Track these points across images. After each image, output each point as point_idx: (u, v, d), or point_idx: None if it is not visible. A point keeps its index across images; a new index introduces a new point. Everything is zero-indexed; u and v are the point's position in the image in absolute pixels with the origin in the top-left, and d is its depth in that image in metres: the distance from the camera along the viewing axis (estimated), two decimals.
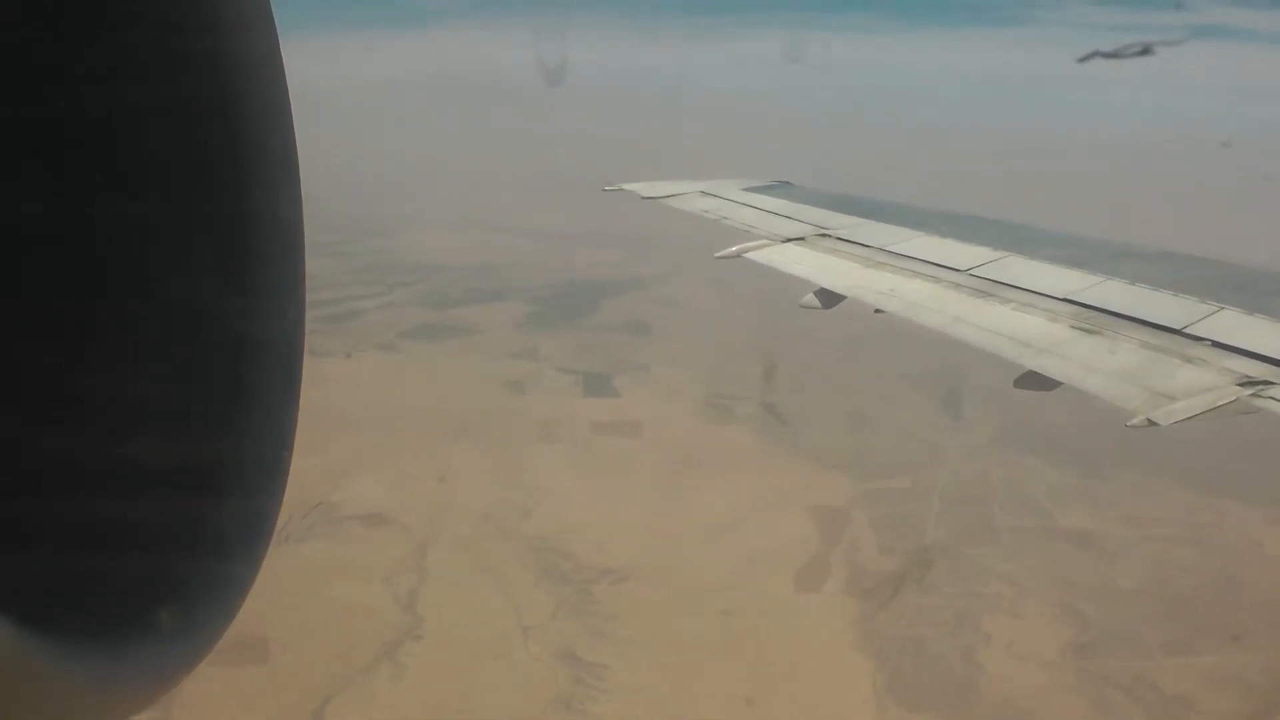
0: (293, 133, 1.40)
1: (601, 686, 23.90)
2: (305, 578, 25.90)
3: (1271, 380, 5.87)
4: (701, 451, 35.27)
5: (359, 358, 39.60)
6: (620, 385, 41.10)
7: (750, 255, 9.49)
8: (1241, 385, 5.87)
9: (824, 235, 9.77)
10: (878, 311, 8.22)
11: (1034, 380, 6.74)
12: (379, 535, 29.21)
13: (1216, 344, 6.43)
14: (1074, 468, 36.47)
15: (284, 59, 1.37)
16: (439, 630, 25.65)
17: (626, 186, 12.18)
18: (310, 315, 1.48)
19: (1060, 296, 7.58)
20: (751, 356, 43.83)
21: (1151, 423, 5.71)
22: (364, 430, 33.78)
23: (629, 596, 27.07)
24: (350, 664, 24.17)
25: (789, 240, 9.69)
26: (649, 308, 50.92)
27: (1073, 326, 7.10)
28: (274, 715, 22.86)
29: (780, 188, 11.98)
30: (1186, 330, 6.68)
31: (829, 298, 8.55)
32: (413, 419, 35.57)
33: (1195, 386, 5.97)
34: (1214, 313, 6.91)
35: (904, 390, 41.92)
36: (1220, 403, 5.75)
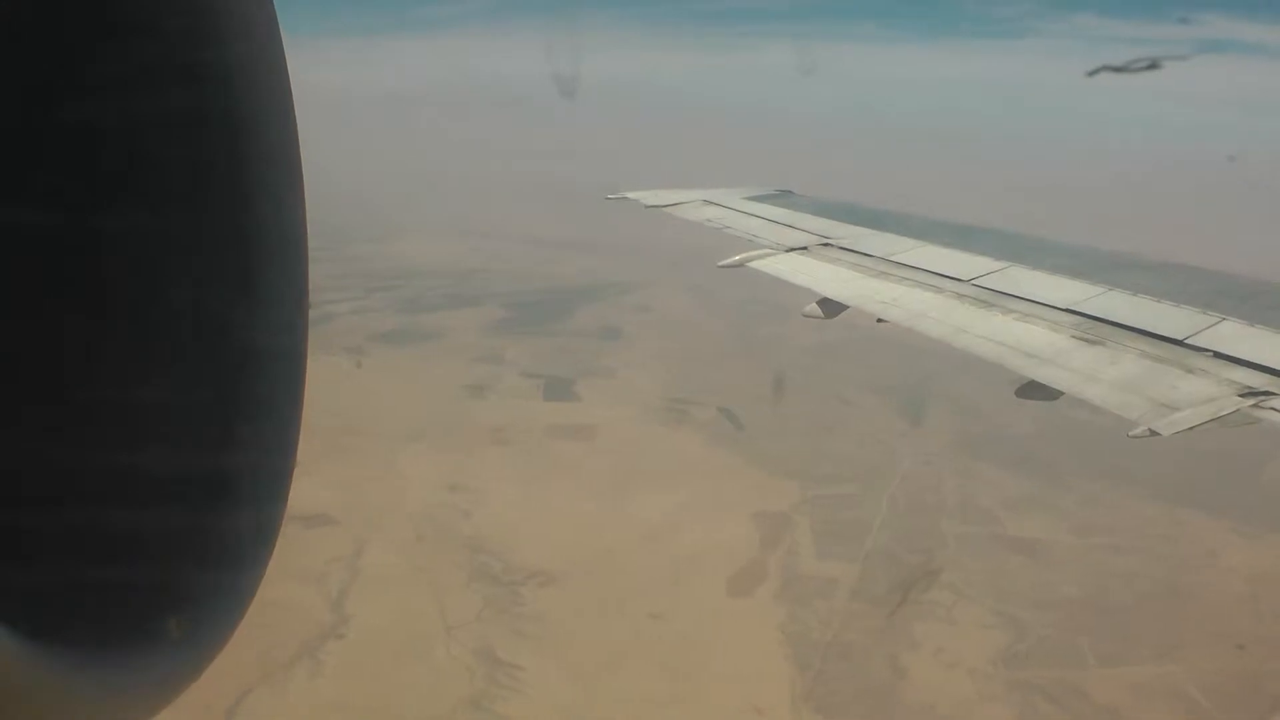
0: (297, 143, 1.40)
1: (514, 686, 24.09)
2: None
3: (1273, 391, 5.86)
4: (652, 456, 35.37)
5: (323, 362, 40.10)
6: (581, 390, 41.34)
7: (753, 265, 9.44)
8: (1243, 396, 5.86)
9: (827, 244, 9.72)
10: (880, 321, 8.20)
11: (1036, 390, 6.76)
12: (318, 535, 29.56)
13: (1218, 355, 6.41)
14: (1035, 477, 36.19)
15: (290, 66, 1.37)
16: (363, 629, 25.98)
17: (630, 195, 12.14)
18: None
19: (1063, 307, 7.57)
20: (719, 363, 43.91)
21: (1153, 433, 5.70)
22: (317, 432, 33.97)
23: (556, 598, 27.24)
24: (270, 661, 24.49)
25: (792, 250, 9.66)
26: (624, 314, 51.19)
27: (1075, 337, 7.09)
28: (189, 712, 23.21)
29: (783, 197, 11.93)
30: (1188, 341, 6.68)
31: (831, 307, 8.52)
32: (368, 421, 36.01)
33: (1197, 397, 5.96)
34: (1216, 323, 6.89)
35: (870, 399, 41.77)
36: (1222, 413, 5.73)
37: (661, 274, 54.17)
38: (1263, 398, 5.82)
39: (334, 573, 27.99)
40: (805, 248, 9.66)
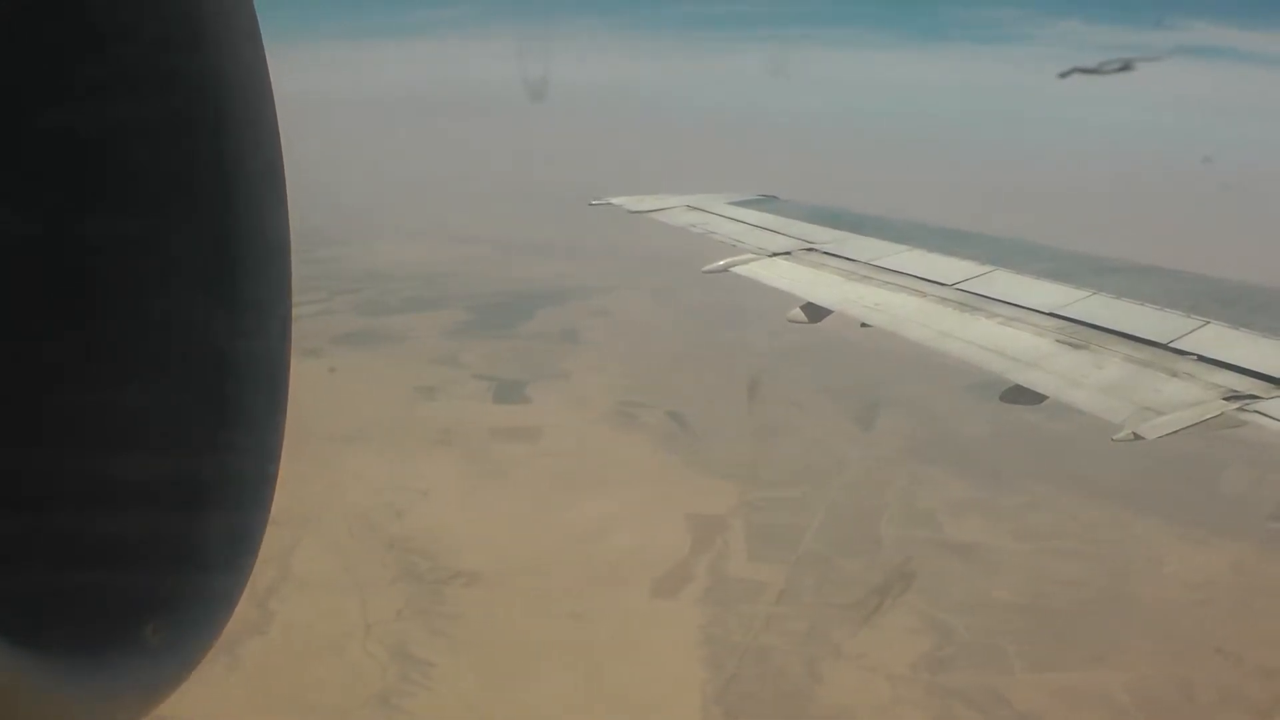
0: (280, 149, 1.40)
1: (424, 683, 24.18)
2: None
3: (1257, 394, 5.91)
4: (595, 458, 35.39)
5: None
6: (532, 392, 41.40)
7: (737, 270, 9.50)
8: (1227, 399, 5.91)
9: (810, 249, 9.74)
10: (864, 326, 8.27)
11: (1020, 394, 6.82)
12: None
13: (1202, 358, 6.46)
14: (983, 481, 35.95)
15: (272, 72, 1.37)
16: (284, 626, 26.08)
17: (613, 200, 12.21)
18: None
19: (1046, 311, 7.62)
20: (675, 367, 43.92)
21: (1137, 436, 5.75)
22: None
23: (479, 598, 27.33)
24: None
25: (775, 255, 9.71)
26: (585, 318, 51.23)
27: (1059, 341, 7.12)
28: None
29: (766, 202, 11.96)
30: (1172, 344, 6.72)
31: (815, 312, 8.60)
32: (314, 421, 36.06)
33: (1181, 400, 6.02)
34: (1199, 327, 6.94)
35: (824, 403, 41.64)
36: (1206, 416, 5.80)
37: (628, 278, 54.28)
38: (1247, 401, 5.86)
39: (264, 571, 27.92)
40: (789, 253, 9.71)
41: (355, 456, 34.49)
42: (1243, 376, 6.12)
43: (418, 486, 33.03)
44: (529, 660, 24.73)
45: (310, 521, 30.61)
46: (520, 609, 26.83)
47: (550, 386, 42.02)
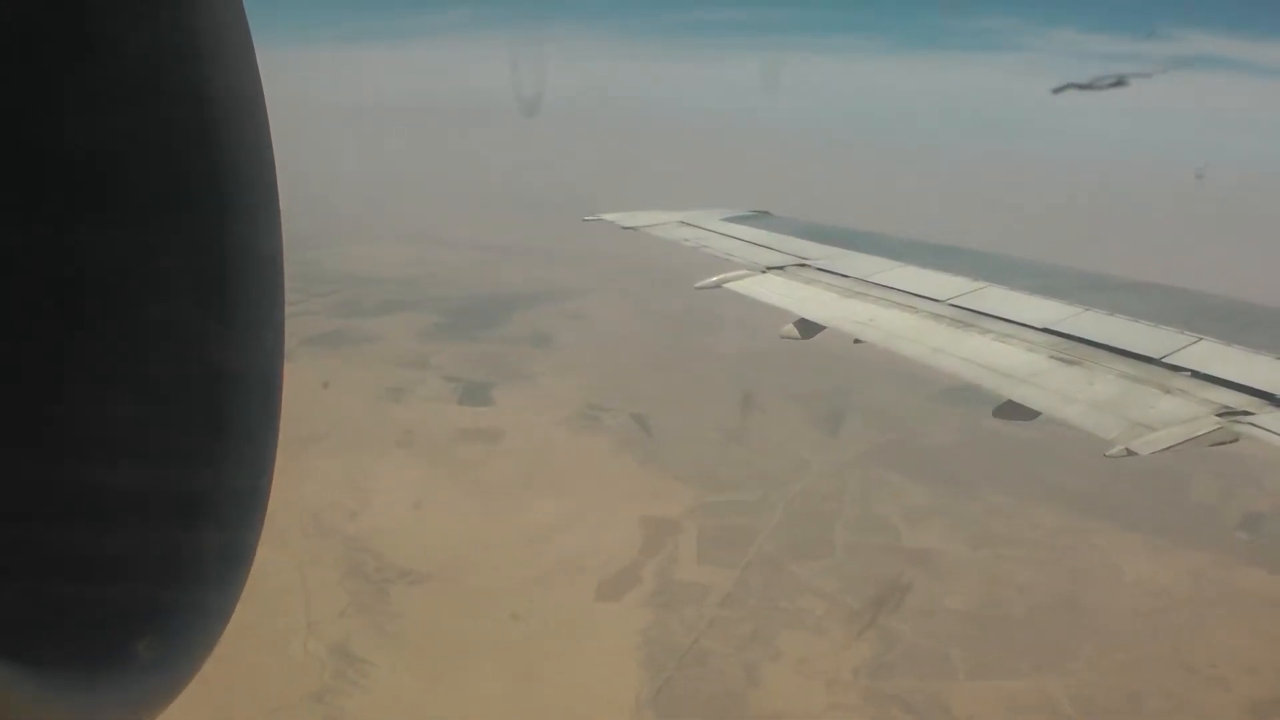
0: (273, 162, 1.39)
1: (362, 682, 24.31)
2: None
3: (1250, 410, 5.95)
4: (554, 460, 35.52)
5: None
6: (498, 394, 41.57)
7: (730, 285, 9.52)
8: (1221, 415, 5.93)
9: (803, 265, 9.80)
10: (857, 342, 8.27)
11: (1013, 410, 6.83)
12: None
13: (1195, 374, 6.48)
14: (943, 488, 35.85)
15: (265, 77, 1.37)
16: (229, 623, 26.30)
17: (606, 216, 12.17)
18: None
19: (1040, 327, 7.64)
20: (643, 371, 43.96)
21: (1130, 452, 5.76)
22: None
23: (422, 597, 27.45)
24: None
25: (769, 270, 9.76)
26: (558, 321, 51.48)
27: (1052, 357, 7.14)
28: None
29: (759, 218, 12.00)
30: (1165, 360, 6.75)
31: (808, 328, 8.62)
32: (280, 422, 36.39)
33: (1175, 416, 6.03)
34: (1193, 343, 6.97)
35: (790, 408, 41.61)
36: (1199, 432, 5.80)
37: (606, 283, 54.42)
38: (1240, 416, 5.87)
39: None
40: (783, 268, 9.74)
41: (317, 457, 34.59)
42: (1235, 392, 6.14)
43: (375, 487, 33.22)
44: (466, 660, 24.83)
45: (265, 519, 30.85)
46: (463, 609, 26.93)
47: (516, 389, 42.19)
